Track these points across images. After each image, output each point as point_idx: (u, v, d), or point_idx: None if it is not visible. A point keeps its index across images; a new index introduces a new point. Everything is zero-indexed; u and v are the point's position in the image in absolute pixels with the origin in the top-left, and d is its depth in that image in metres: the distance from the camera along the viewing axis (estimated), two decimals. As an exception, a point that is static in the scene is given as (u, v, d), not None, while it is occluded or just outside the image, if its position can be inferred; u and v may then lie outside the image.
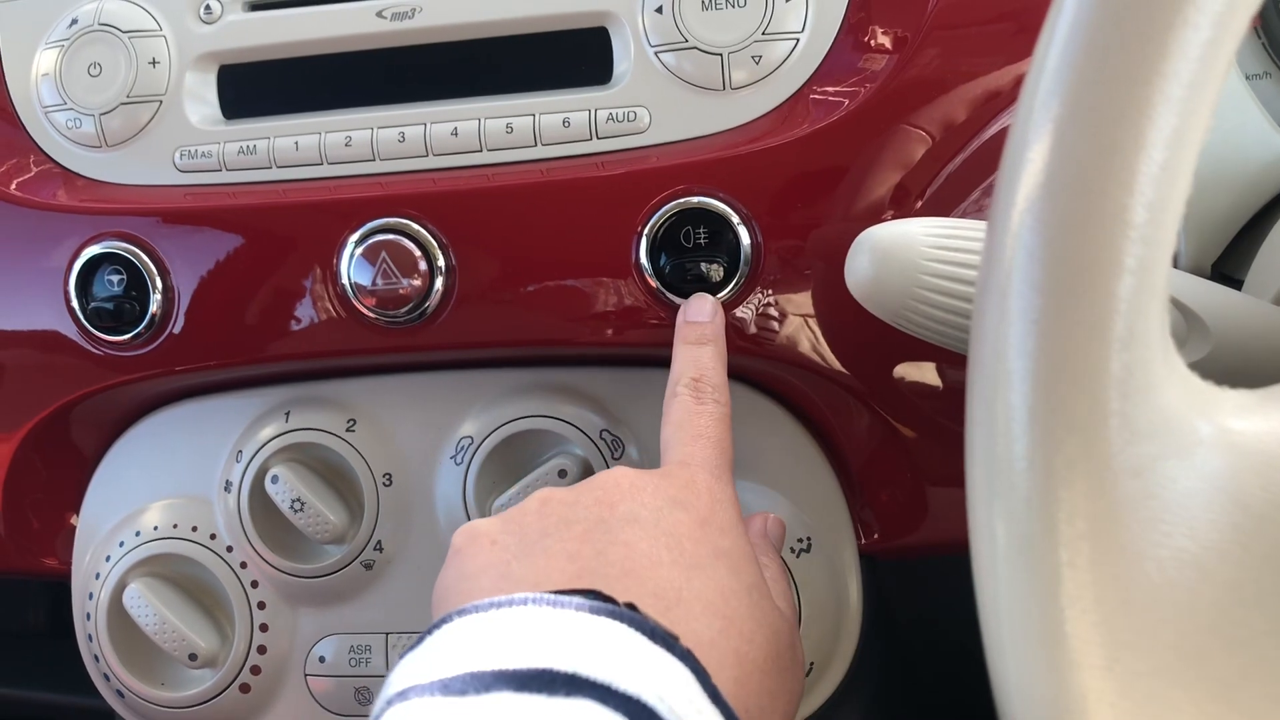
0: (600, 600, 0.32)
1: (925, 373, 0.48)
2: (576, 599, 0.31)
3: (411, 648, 0.31)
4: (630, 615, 0.31)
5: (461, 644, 0.30)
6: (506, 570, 0.36)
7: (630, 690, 0.28)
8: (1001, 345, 0.24)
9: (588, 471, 0.50)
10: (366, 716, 0.52)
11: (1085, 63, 0.23)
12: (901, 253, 0.35)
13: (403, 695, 0.28)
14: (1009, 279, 0.24)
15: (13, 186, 0.53)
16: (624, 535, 0.36)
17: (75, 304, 0.51)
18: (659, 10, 0.48)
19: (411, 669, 0.30)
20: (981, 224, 0.36)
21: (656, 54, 0.48)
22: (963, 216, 0.47)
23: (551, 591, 0.32)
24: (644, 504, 0.37)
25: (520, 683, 0.28)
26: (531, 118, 0.49)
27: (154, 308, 0.50)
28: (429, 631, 0.31)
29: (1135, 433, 0.23)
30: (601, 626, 0.30)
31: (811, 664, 0.49)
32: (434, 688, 0.28)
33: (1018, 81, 0.48)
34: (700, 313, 0.46)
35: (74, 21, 0.52)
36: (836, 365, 0.48)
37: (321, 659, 0.53)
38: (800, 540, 0.49)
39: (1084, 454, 0.23)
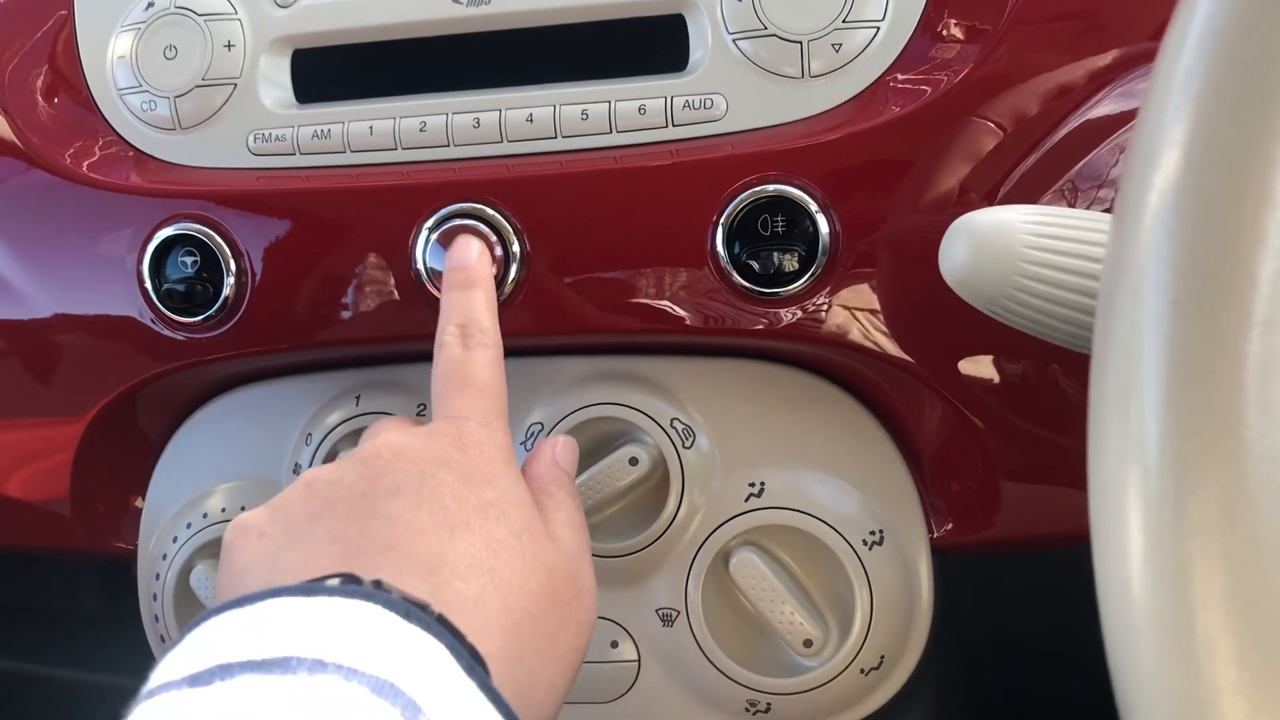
0: (352, 583, 0.32)
1: (1001, 364, 0.48)
2: (327, 584, 0.31)
3: (170, 648, 0.31)
4: (378, 594, 0.31)
5: (213, 640, 0.30)
6: (274, 562, 0.36)
7: (373, 671, 0.28)
8: (1136, 326, 0.23)
9: (659, 461, 0.49)
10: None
11: (1231, 36, 0.23)
12: (1000, 240, 0.35)
13: (151, 694, 0.28)
14: (1146, 259, 0.23)
15: (87, 168, 0.54)
16: (386, 508, 0.36)
17: (149, 285, 0.51)
18: (738, -3, 0.48)
19: (166, 668, 0.29)
20: (1085, 213, 0.35)
21: (734, 41, 0.48)
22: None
23: (306, 580, 0.32)
24: (406, 471, 0.37)
25: (266, 668, 0.28)
26: (607, 104, 0.49)
27: (227, 290, 0.50)
28: (186, 632, 0.31)
29: (1275, 418, 0.23)
30: (350, 609, 0.30)
31: (882, 657, 0.49)
32: (183, 682, 0.28)
33: (1098, 76, 0.47)
34: (465, 256, 0.45)
35: (150, 5, 0.53)
36: (911, 354, 0.48)
37: (387, 644, 0.53)
38: (872, 533, 0.49)
39: (1220, 439, 0.23)
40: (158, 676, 0.29)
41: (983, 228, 0.35)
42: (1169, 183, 0.23)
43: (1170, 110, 0.23)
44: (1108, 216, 0.35)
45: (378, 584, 0.32)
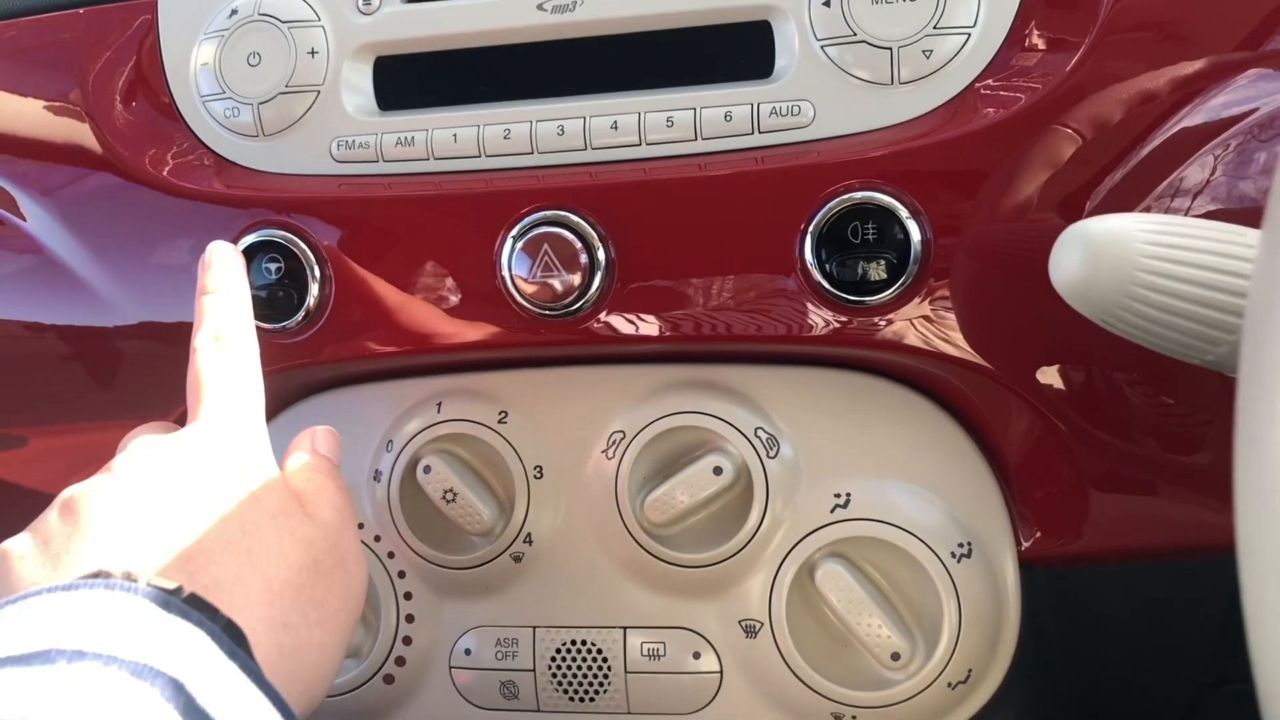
0: (101, 576, 0.33)
1: (1091, 372, 0.47)
2: (82, 580, 0.32)
3: None
4: (131, 585, 0.32)
5: None
6: (35, 578, 0.36)
7: (131, 656, 0.29)
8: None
9: (743, 471, 0.49)
10: (511, 710, 0.52)
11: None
12: (1116, 249, 0.34)
13: None
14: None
15: (169, 174, 0.54)
16: (136, 515, 0.37)
17: (232, 292, 0.51)
18: (826, 4, 0.47)
19: None
20: (1206, 222, 0.34)
21: (823, 47, 0.48)
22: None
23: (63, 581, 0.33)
24: (154, 480, 0.38)
25: (26, 661, 0.29)
26: (692, 111, 0.49)
27: (311, 296, 0.50)
28: None
29: None
30: (107, 601, 0.31)
31: (969, 671, 0.48)
32: None
33: (1187, 86, 0.47)
34: (218, 260, 0.46)
35: (234, 12, 0.53)
36: (999, 362, 0.47)
37: (467, 651, 0.53)
38: (961, 545, 0.48)
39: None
40: None
41: (1098, 236, 0.34)
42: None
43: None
44: (1234, 226, 0.34)
45: (128, 575, 0.33)
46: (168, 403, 0.54)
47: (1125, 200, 0.46)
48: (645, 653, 0.51)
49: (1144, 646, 0.55)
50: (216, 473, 0.39)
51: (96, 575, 0.33)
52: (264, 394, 0.44)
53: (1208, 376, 0.40)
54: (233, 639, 0.32)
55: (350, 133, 0.52)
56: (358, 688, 0.53)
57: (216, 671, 0.31)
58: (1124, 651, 0.55)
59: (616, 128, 0.49)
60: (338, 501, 0.42)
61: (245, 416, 0.42)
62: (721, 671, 0.51)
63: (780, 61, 0.49)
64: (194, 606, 0.32)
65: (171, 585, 0.33)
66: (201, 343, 0.44)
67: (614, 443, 0.50)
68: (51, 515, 0.38)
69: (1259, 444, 0.24)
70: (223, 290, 0.45)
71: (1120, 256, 0.34)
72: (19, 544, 0.38)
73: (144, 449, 0.40)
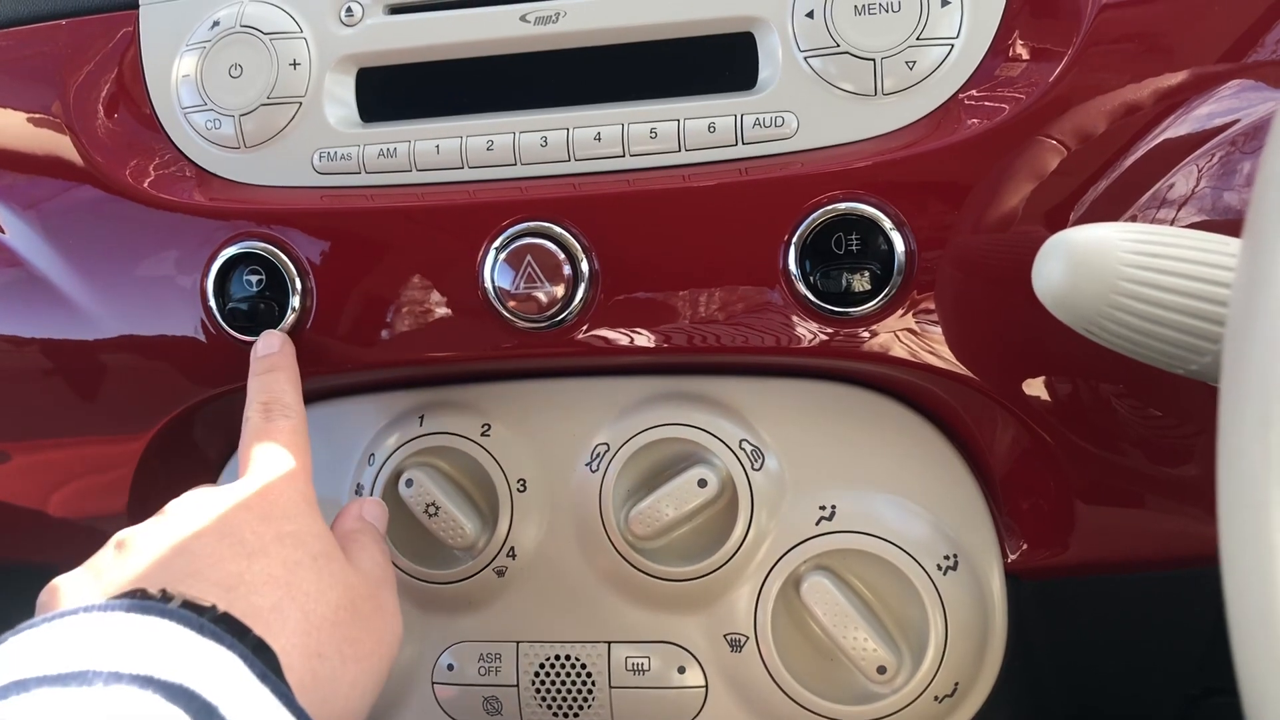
0: (136, 595, 0.34)
1: (1076, 383, 0.47)
2: (117, 601, 0.33)
3: None
4: (170, 610, 0.33)
5: (10, 658, 0.31)
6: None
7: (167, 678, 0.30)
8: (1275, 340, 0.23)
9: (728, 483, 0.49)
10: (495, 727, 0.52)
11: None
12: (1098, 258, 0.34)
13: None
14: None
15: (149, 186, 0.53)
16: (187, 546, 0.39)
17: (212, 304, 0.51)
18: (809, 15, 0.47)
19: None
20: (1189, 232, 0.34)
21: (806, 59, 0.48)
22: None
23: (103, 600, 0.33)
24: (207, 515, 0.40)
25: (63, 682, 0.29)
26: (676, 122, 0.48)
27: (292, 309, 0.50)
28: None
29: None
30: (145, 625, 0.32)
31: (956, 684, 0.48)
32: None
33: (1170, 97, 0.47)
34: (269, 347, 0.49)
35: (215, 24, 0.53)
36: (983, 374, 0.47)
37: (450, 667, 0.52)
38: (947, 557, 0.48)
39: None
40: None
41: (1080, 245, 0.34)
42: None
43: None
44: (1216, 236, 0.34)
45: (164, 593, 0.34)
46: (149, 416, 0.54)
47: (1109, 211, 0.46)
48: (630, 667, 0.51)
49: (1132, 658, 0.55)
50: (262, 515, 0.41)
51: (132, 594, 0.34)
52: (311, 461, 0.46)
53: (1194, 388, 0.39)
54: (264, 662, 0.33)
55: (332, 144, 0.51)
56: (340, 704, 0.52)
57: (248, 695, 0.31)
58: (1111, 663, 0.55)
59: (600, 139, 0.49)
60: (380, 559, 0.44)
61: (293, 474, 0.44)
62: (707, 686, 0.51)
63: (764, 73, 0.49)
64: (226, 628, 0.33)
65: (205, 604, 0.34)
66: (254, 413, 0.46)
67: (598, 455, 0.50)
68: (106, 552, 0.40)
69: (1241, 453, 0.24)
70: (276, 370, 0.48)
71: (1103, 266, 0.34)
72: (72, 578, 0.39)
73: (195, 495, 0.42)
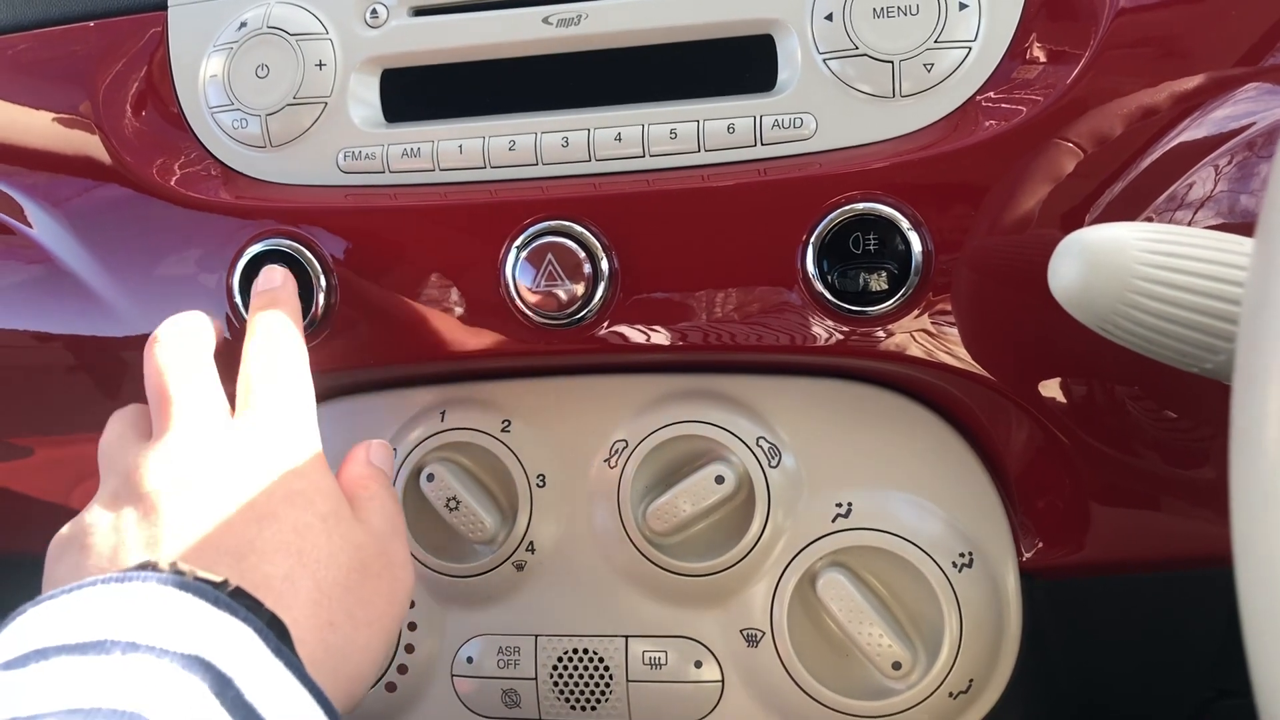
0: (150, 568, 0.34)
1: (1095, 385, 0.47)
2: (134, 572, 0.33)
3: None
4: (182, 580, 0.33)
5: (30, 628, 0.31)
6: (90, 566, 0.39)
7: (183, 649, 0.31)
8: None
9: (745, 480, 0.49)
10: (513, 719, 0.52)
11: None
12: (1113, 256, 0.34)
13: None
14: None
15: (176, 184, 0.54)
16: (197, 506, 0.39)
17: (238, 300, 0.52)
18: (829, 17, 0.48)
19: None
20: (1203, 231, 0.35)
21: (825, 61, 0.48)
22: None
23: (119, 570, 0.34)
24: (211, 475, 0.40)
25: (82, 650, 0.30)
26: (695, 123, 0.49)
27: (316, 305, 0.51)
28: (6, 622, 0.32)
29: None
30: (163, 595, 0.32)
31: (970, 681, 0.48)
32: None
33: (1187, 100, 0.47)
34: (270, 282, 0.48)
35: (243, 25, 0.54)
36: (999, 373, 0.47)
37: (469, 660, 0.53)
38: (962, 555, 0.48)
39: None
40: None
41: (1095, 244, 0.35)
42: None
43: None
44: (1230, 235, 0.35)
45: (175, 568, 0.34)
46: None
47: (1125, 213, 0.47)
48: (647, 662, 0.51)
49: (1146, 658, 0.55)
50: (273, 471, 0.41)
51: (145, 566, 0.34)
52: (314, 399, 0.45)
53: (1210, 390, 0.40)
54: (278, 635, 0.34)
55: (357, 144, 0.52)
56: (360, 696, 0.53)
57: (263, 667, 0.32)
58: (1125, 663, 0.55)
59: (620, 139, 0.50)
60: (389, 509, 0.44)
61: (301, 414, 0.43)
62: (723, 681, 0.51)
63: (783, 75, 0.49)
64: (241, 602, 0.34)
65: (218, 579, 0.34)
66: (253, 348, 0.45)
67: (616, 451, 0.51)
68: (119, 504, 0.40)
69: (1253, 447, 0.24)
70: (275, 302, 0.47)
71: (1118, 264, 0.34)
72: (73, 530, 0.40)
73: (193, 450, 0.41)
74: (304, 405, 0.44)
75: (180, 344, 0.44)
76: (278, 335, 0.45)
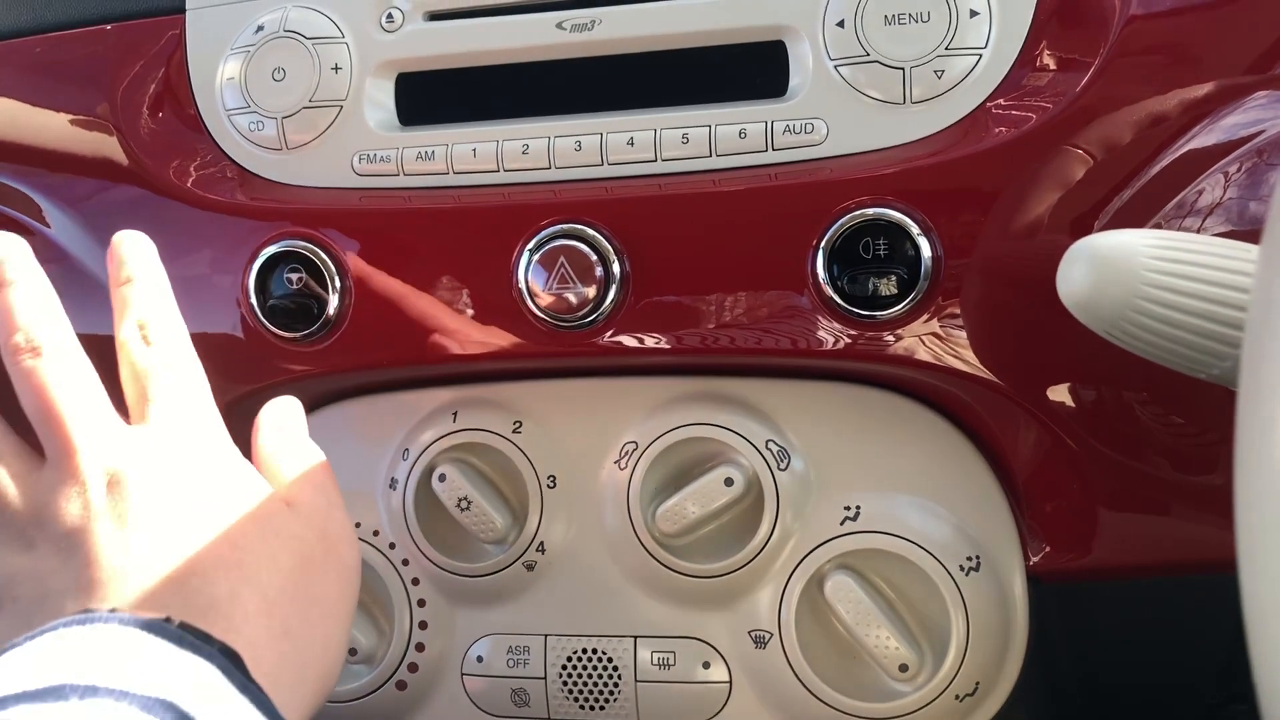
0: (89, 613, 0.32)
1: (1101, 388, 0.48)
2: (76, 617, 0.32)
3: None
4: (137, 619, 0.32)
5: None
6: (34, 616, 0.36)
7: (143, 691, 0.29)
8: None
9: (754, 482, 0.50)
10: (522, 718, 0.53)
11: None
12: (1122, 262, 0.35)
13: None
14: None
15: (192, 185, 0.55)
16: (122, 544, 0.36)
17: (254, 301, 0.52)
18: (840, 24, 0.48)
19: None
20: (1210, 238, 0.35)
21: (836, 67, 0.49)
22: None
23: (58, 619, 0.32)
24: (128, 500, 0.36)
25: (40, 698, 0.29)
26: (707, 128, 0.49)
27: (332, 306, 0.51)
28: None
29: None
30: (111, 633, 0.31)
31: (977, 684, 0.49)
32: None
33: (1196, 107, 0.47)
34: (125, 246, 0.43)
35: (260, 28, 0.54)
36: (1007, 378, 0.48)
37: (479, 659, 0.53)
38: (969, 558, 0.48)
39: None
40: None
41: (1104, 250, 0.35)
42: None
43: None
44: (1237, 242, 0.35)
45: (114, 611, 0.33)
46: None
47: (1134, 220, 0.47)
48: (655, 662, 0.52)
49: (1153, 663, 0.55)
50: (192, 482, 0.38)
51: (85, 611, 0.33)
52: (208, 381, 0.42)
53: (1217, 397, 0.40)
54: (235, 664, 0.32)
55: (371, 147, 0.53)
56: (370, 694, 0.53)
57: (225, 703, 0.31)
58: (1132, 668, 0.55)
59: (633, 144, 0.50)
60: (317, 479, 0.41)
61: (199, 412, 0.40)
62: (731, 681, 0.51)
63: (794, 80, 0.50)
64: (193, 634, 0.32)
65: (160, 617, 0.32)
66: (129, 335, 0.41)
67: (626, 453, 0.51)
68: (50, 545, 0.36)
69: (1258, 453, 0.25)
70: (139, 277, 0.42)
71: (1126, 270, 0.35)
72: (15, 570, 0.37)
73: (110, 465, 0.37)
74: (201, 398, 0.41)
75: (58, 353, 0.39)
76: (152, 318, 0.41)
